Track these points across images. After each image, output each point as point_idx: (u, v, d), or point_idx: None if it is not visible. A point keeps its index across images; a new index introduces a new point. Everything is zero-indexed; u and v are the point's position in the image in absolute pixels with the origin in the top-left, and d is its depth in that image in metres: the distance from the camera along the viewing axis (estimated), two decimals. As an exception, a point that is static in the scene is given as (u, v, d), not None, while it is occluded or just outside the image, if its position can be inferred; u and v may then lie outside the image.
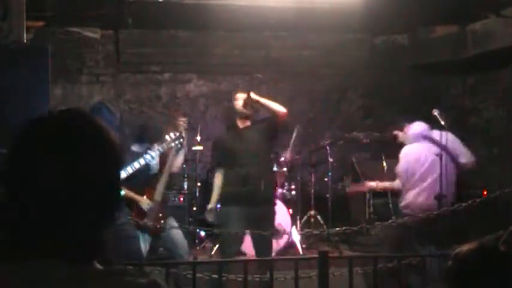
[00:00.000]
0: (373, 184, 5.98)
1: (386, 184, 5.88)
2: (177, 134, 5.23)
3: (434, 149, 5.46)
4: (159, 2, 6.10)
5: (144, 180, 5.23)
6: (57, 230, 1.11)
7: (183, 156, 5.60)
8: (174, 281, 4.70)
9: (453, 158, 5.49)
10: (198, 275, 3.57)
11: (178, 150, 5.26)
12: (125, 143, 5.40)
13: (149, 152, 5.05)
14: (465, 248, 1.87)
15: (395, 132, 5.81)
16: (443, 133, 5.48)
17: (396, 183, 5.67)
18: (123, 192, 4.98)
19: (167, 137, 5.18)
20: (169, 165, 5.30)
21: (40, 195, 1.10)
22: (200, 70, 7.81)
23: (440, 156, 5.28)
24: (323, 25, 7.16)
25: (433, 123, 5.68)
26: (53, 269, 1.08)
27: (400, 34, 8.09)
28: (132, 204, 5.22)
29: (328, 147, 6.88)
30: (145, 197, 5.33)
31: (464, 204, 4.73)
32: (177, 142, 5.21)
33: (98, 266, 1.13)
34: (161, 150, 5.10)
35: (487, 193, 5.36)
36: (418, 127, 5.63)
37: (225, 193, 5.15)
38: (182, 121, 5.40)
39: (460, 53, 7.09)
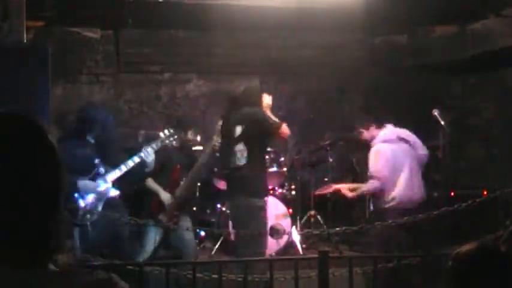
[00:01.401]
0: (337, 186, 6.04)
1: (356, 185, 5.95)
2: (171, 131, 5.26)
3: (405, 147, 5.61)
4: (159, 2, 6.09)
5: (138, 177, 5.27)
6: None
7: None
8: (175, 281, 4.70)
9: (418, 154, 5.62)
10: (198, 275, 3.57)
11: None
12: (116, 140, 5.44)
13: (144, 149, 5.07)
14: (465, 248, 1.88)
15: (360, 130, 5.84)
16: (402, 130, 5.66)
17: (370, 185, 5.71)
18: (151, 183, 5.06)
19: (161, 134, 5.22)
20: (199, 165, 5.38)
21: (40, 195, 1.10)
22: (200, 70, 7.80)
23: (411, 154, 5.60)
24: (323, 25, 7.15)
25: (432, 123, 5.70)
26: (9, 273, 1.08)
27: (400, 34, 8.08)
28: (152, 196, 5.29)
29: (328, 147, 6.88)
30: (167, 191, 5.38)
31: (464, 204, 4.73)
32: (171, 139, 5.24)
33: (52, 267, 1.13)
34: (155, 147, 5.13)
35: (487, 193, 5.36)
36: (391, 130, 5.70)
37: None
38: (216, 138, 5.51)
39: (460, 53, 7.08)
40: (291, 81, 7.97)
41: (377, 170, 5.59)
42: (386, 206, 5.62)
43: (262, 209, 5.01)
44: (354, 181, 7.36)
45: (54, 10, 6.17)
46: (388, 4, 6.24)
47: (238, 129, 5.05)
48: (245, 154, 4.95)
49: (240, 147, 4.98)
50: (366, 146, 5.80)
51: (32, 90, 3.91)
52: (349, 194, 5.87)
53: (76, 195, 4.84)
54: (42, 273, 1.09)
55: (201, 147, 6.46)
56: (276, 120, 5.23)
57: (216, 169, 6.63)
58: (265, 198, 5.10)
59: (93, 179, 4.98)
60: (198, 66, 7.75)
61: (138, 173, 5.17)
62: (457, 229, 5.34)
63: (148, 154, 5.06)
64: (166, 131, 5.25)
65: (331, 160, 6.85)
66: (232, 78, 7.86)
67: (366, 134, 5.79)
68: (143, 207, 5.44)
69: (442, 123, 5.53)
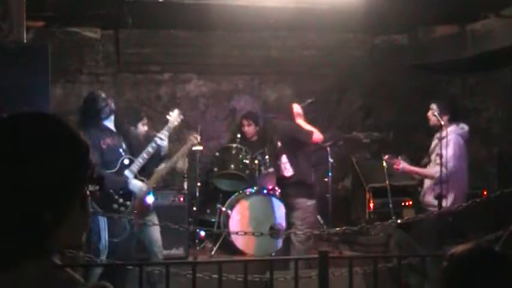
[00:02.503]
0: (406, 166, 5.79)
1: (418, 169, 5.81)
2: (177, 111, 5.31)
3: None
4: (159, 2, 6.10)
5: (156, 163, 5.27)
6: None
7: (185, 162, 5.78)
8: (147, 278, 4.64)
9: None
10: (198, 275, 3.57)
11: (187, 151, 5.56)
12: (123, 127, 5.43)
13: (159, 134, 5.11)
14: (460, 248, 1.88)
15: (430, 115, 5.74)
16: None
17: (434, 171, 5.51)
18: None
19: (168, 117, 5.29)
20: (173, 160, 5.39)
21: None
22: (200, 70, 7.81)
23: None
24: (323, 25, 7.15)
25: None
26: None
27: (400, 34, 8.08)
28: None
29: (328, 147, 6.88)
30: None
31: (464, 204, 4.74)
32: (179, 120, 5.30)
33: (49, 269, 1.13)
34: (169, 130, 5.19)
35: (487, 193, 5.36)
36: (463, 127, 5.73)
37: None
38: (194, 137, 5.61)
39: (460, 53, 7.08)
40: (291, 81, 7.97)
41: (449, 159, 5.43)
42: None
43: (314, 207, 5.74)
44: (353, 181, 7.36)
45: (54, 10, 6.17)
46: (389, 4, 6.23)
47: (278, 143, 5.81)
48: (288, 166, 5.65)
49: (284, 160, 5.66)
50: (434, 130, 5.74)
51: (32, 90, 3.92)
52: (415, 170, 5.80)
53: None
54: (34, 274, 1.09)
55: (201, 148, 6.47)
56: (308, 127, 5.70)
57: (216, 169, 6.64)
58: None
59: (120, 172, 4.94)
60: (198, 66, 7.75)
61: (155, 158, 5.17)
62: (457, 229, 5.34)
63: (163, 139, 5.10)
64: (171, 113, 5.31)
65: (331, 160, 6.85)
66: (232, 78, 7.87)
67: (434, 120, 5.70)
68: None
69: (442, 123, 5.53)
